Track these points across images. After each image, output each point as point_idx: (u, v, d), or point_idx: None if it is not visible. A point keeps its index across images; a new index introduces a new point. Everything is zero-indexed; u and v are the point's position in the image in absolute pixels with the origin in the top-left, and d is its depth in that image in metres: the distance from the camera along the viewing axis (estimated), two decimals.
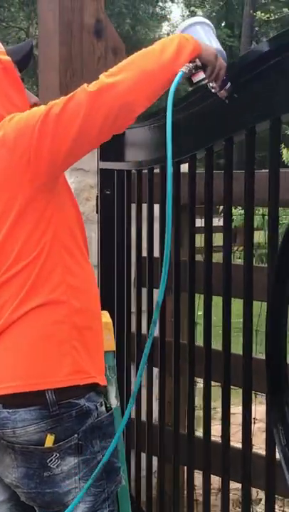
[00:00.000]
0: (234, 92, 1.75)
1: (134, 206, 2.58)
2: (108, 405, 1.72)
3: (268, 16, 16.70)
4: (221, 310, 1.97)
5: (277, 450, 1.62)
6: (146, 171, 2.40)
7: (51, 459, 1.60)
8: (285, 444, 1.55)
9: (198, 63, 1.64)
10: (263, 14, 16.40)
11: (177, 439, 2.35)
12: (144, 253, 2.55)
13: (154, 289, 2.58)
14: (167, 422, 2.48)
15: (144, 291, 2.54)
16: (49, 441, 1.59)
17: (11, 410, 1.61)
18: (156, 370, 2.57)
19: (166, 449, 2.44)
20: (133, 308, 2.60)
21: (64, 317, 1.63)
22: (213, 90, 1.75)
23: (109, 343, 2.17)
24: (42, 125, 1.56)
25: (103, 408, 1.68)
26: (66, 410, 1.60)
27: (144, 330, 2.54)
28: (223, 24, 24.74)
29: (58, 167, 1.62)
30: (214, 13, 24.27)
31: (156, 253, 2.52)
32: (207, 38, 1.72)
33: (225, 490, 2.01)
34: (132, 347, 2.66)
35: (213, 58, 1.65)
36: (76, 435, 1.61)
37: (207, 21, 1.76)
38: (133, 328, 2.64)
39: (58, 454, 1.60)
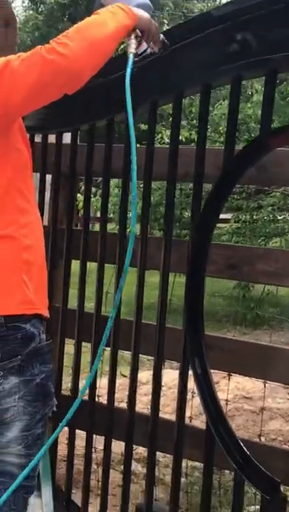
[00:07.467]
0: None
1: None
2: (48, 336, 1.84)
3: None
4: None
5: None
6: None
7: None
8: (200, 372, 1.71)
9: (138, 33, 1.72)
10: None
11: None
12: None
13: None
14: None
15: None
16: None
17: None
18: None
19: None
20: None
21: (15, 252, 1.74)
22: (149, 51, 1.82)
23: None
24: None
25: (44, 336, 1.81)
26: (13, 332, 1.73)
27: None
28: None
29: (12, 116, 1.72)
30: None
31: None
32: None
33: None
34: None
35: (148, 24, 1.78)
36: (19, 356, 1.74)
37: None
38: None
39: (1, 373, 1.73)
